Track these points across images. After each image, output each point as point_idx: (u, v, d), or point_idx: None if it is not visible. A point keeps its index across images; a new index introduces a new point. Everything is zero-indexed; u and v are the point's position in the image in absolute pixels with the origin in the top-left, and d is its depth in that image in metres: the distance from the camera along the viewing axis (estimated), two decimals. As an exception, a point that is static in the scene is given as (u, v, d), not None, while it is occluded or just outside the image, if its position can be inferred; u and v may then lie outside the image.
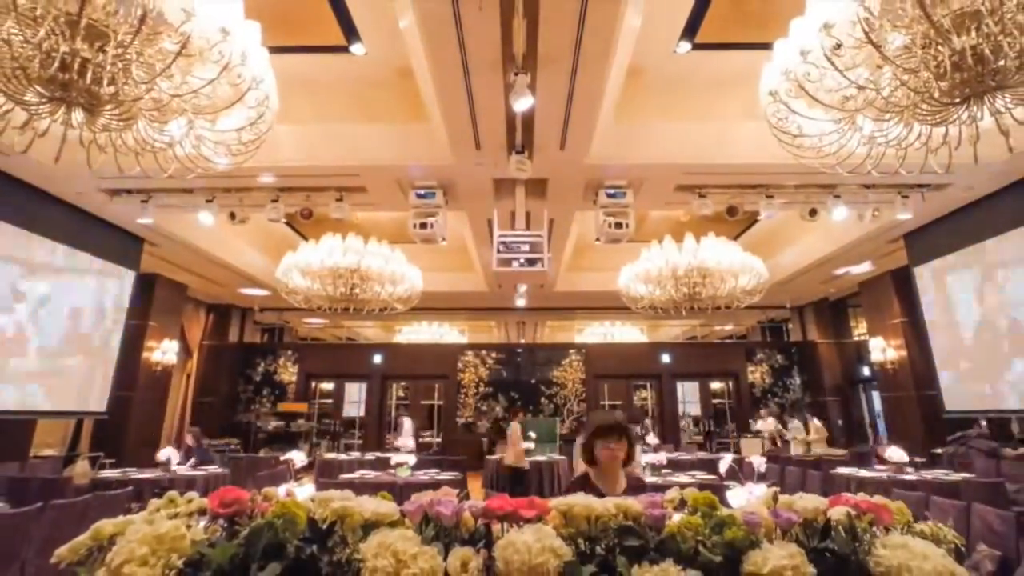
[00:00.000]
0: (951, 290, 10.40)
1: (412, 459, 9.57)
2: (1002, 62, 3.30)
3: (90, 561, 1.59)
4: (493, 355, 19.64)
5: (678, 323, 21.54)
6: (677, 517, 1.76)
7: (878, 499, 1.80)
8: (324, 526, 1.69)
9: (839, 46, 3.73)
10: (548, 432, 16.88)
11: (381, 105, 8.29)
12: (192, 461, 10.15)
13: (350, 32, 7.25)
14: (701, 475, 9.09)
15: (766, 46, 4.64)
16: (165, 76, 3.74)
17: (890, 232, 11.14)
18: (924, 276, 11.05)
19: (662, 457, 9.56)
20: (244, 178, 8.62)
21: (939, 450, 11.98)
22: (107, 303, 10.76)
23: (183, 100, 3.91)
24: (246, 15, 4.19)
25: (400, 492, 6.87)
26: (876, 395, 16.49)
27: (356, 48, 7.53)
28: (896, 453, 9.32)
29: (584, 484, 3.16)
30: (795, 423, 15.38)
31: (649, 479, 8.65)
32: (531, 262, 8.77)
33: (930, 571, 1.52)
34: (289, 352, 19.45)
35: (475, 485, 13.10)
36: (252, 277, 14.25)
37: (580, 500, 1.78)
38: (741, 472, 8.16)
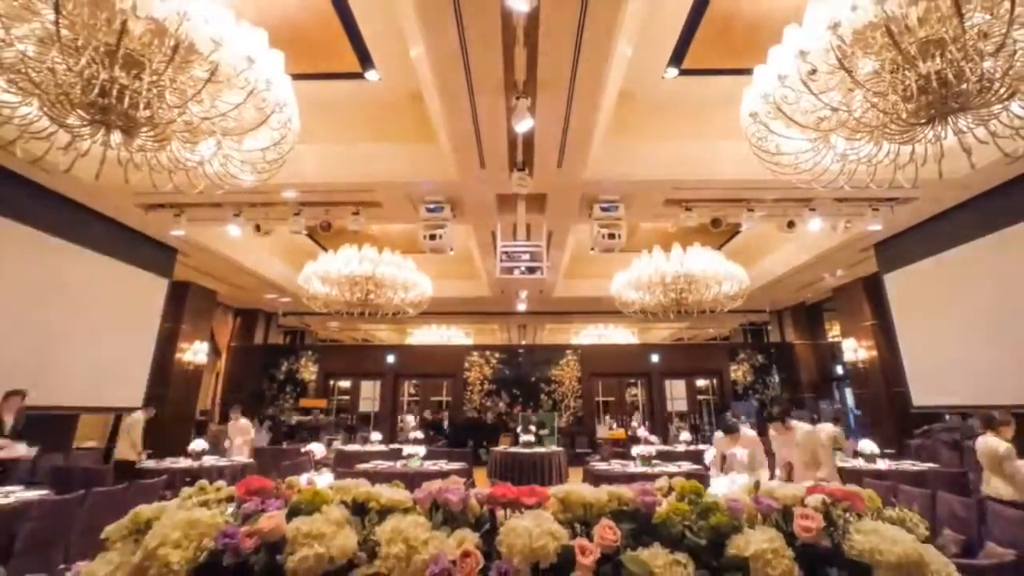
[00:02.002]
0: (918, 295, 10.38)
1: (422, 450, 9.56)
2: (964, 86, 3.31)
3: (128, 541, 1.60)
4: (496, 355, 19.59)
5: (666, 326, 21.54)
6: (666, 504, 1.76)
7: (851, 488, 1.79)
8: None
9: (814, 71, 3.74)
10: (547, 426, 16.90)
11: (394, 127, 8.30)
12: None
13: (365, 60, 7.28)
14: (688, 465, 9.06)
15: (747, 71, 4.64)
16: (196, 101, 3.76)
17: (861, 242, 11.14)
18: (893, 282, 11.04)
19: (652, 449, 9.54)
20: (268, 194, 8.63)
21: (907, 442, 11.97)
22: (143, 308, 10.77)
23: (212, 123, 3.93)
24: (270, 45, 4.21)
25: (412, 481, 6.86)
26: (849, 392, 16.47)
27: (371, 75, 7.55)
28: (867, 445, 9.30)
29: None
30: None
31: (639, 469, 8.64)
32: (531, 270, 8.79)
33: (899, 554, 1.51)
34: (310, 353, 19.42)
35: (480, 475, 13.10)
36: (276, 284, 14.27)
37: (576, 488, 1.78)
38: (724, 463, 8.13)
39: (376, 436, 13.42)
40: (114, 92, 3.42)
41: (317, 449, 8.59)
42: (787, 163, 4.48)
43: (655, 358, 19.49)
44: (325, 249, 10.86)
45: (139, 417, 9.43)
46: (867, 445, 9.30)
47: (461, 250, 12.67)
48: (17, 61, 3.21)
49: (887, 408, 13.13)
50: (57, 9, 3.07)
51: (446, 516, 1.70)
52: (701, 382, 20.30)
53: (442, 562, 1.49)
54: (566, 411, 18.69)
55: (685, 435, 13.27)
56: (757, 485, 1.84)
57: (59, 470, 8.36)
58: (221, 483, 1.88)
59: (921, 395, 10.42)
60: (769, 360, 18.92)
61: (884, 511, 1.79)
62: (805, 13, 3.92)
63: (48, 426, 9.69)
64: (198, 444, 9.62)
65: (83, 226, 9.22)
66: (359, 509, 1.71)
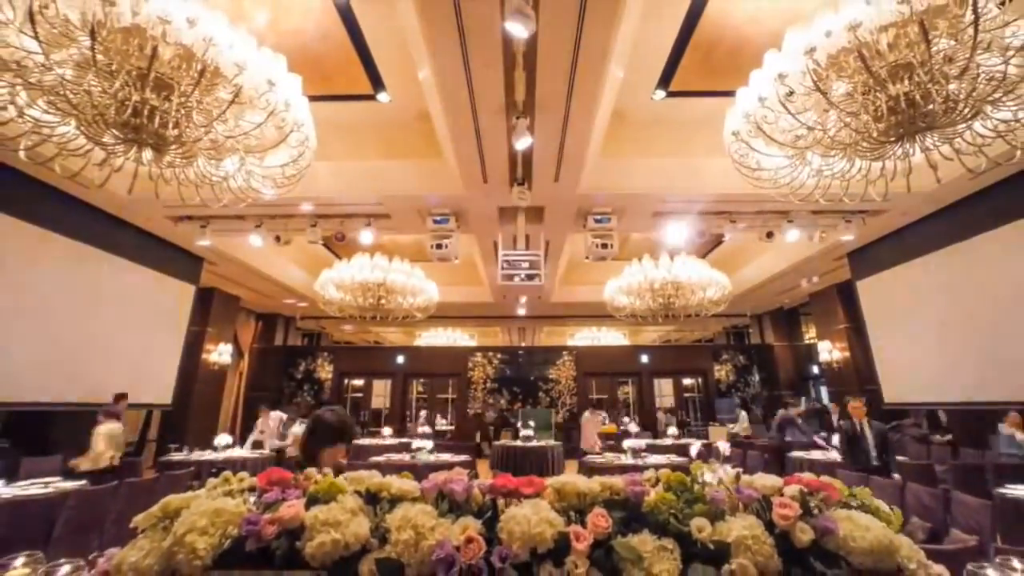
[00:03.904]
0: (888, 300, 10.38)
1: (430, 444, 9.57)
2: (931, 106, 3.32)
3: (158, 528, 1.60)
4: (498, 356, 19.57)
5: (655, 329, 21.51)
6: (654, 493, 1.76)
7: (825, 479, 1.79)
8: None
9: (792, 93, 3.75)
10: (545, 421, 16.89)
11: (403, 145, 8.32)
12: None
13: (377, 83, 7.30)
14: (675, 458, 9.04)
15: (730, 93, 4.65)
16: (221, 120, 3.77)
17: (836, 251, 11.14)
18: (865, 288, 11.04)
19: (642, 443, 9.54)
20: (287, 207, 8.65)
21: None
22: (172, 313, 10.79)
23: (236, 141, 3.94)
24: (289, 69, 4.23)
25: (419, 472, 6.85)
26: (824, 390, 16.47)
27: (382, 96, 7.57)
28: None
29: None
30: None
31: (630, 461, 8.63)
32: (530, 277, 8.79)
33: (872, 539, 1.51)
34: (326, 354, 19.42)
35: (483, 466, 13.07)
36: (294, 290, 14.26)
37: (571, 479, 1.78)
38: (709, 455, 8.13)
39: (387, 431, 13.44)
40: (145, 113, 3.43)
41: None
42: (766, 178, 4.49)
43: (645, 358, 19.49)
44: (340, 257, 10.88)
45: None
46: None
47: (465, 258, 12.66)
48: (57, 84, 3.22)
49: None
50: (93, 36, 3.08)
51: (451, 505, 1.70)
52: (687, 381, 20.26)
53: (447, 547, 1.49)
54: (562, 408, 18.67)
55: (672, 430, 13.25)
56: (738, 476, 1.84)
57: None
58: (244, 474, 1.87)
59: (891, 393, 10.41)
60: (750, 360, 18.92)
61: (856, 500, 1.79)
62: (784, 39, 3.94)
63: (85, 422, 9.73)
64: (223, 439, 9.63)
65: (116, 236, 9.23)
66: (371, 498, 1.71)
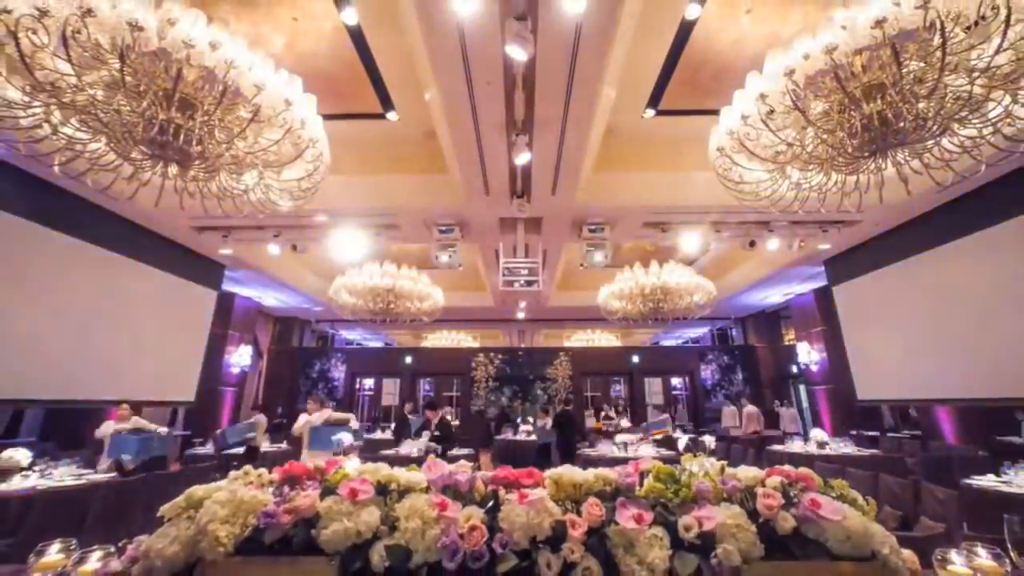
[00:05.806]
0: (862, 304, 10.38)
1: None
2: (902, 124, 3.32)
3: (183, 517, 1.60)
4: (499, 357, 19.50)
5: (645, 331, 21.50)
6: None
7: (803, 470, 1.79)
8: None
9: (772, 112, 3.76)
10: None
11: (411, 160, 8.34)
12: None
13: (386, 103, 7.33)
14: (664, 451, 9.03)
15: (715, 112, 4.66)
16: (241, 137, 3.78)
17: (813, 259, 11.15)
18: (841, 293, 11.04)
19: (633, 437, 9.52)
20: (303, 218, 8.67)
21: (852, 431, 11.95)
22: (195, 316, 10.79)
23: (255, 156, 3.95)
24: (304, 90, 4.24)
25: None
26: (803, 388, 16.47)
27: (391, 115, 7.60)
28: (819, 434, 9.29)
29: None
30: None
31: (622, 454, 8.62)
32: (529, 283, 8.81)
33: (848, 527, 1.51)
34: (339, 354, 19.43)
35: (485, 459, 13.04)
36: (310, 295, 14.28)
37: (567, 471, 1.78)
38: (696, 448, 8.11)
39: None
40: (171, 130, 3.44)
41: (345, 438, 8.60)
42: (749, 191, 4.49)
43: (636, 359, 19.46)
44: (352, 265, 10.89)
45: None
46: (818, 433, 9.30)
47: (469, 266, 12.68)
48: (88, 104, 3.23)
49: (835, 402, 13.11)
50: (122, 59, 3.09)
51: (456, 495, 1.70)
52: (675, 380, 20.25)
53: (452, 535, 1.49)
54: (560, 405, 18.62)
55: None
56: (723, 468, 1.83)
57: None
58: (263, 471, 1.87)
59: (865, 390, 10.41)
60: (734, 360, 18.88)
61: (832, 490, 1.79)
62: (765, 61, 3.95)
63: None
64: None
65: (144, 245, 9.25)
66: (381, 489, 1.71)
